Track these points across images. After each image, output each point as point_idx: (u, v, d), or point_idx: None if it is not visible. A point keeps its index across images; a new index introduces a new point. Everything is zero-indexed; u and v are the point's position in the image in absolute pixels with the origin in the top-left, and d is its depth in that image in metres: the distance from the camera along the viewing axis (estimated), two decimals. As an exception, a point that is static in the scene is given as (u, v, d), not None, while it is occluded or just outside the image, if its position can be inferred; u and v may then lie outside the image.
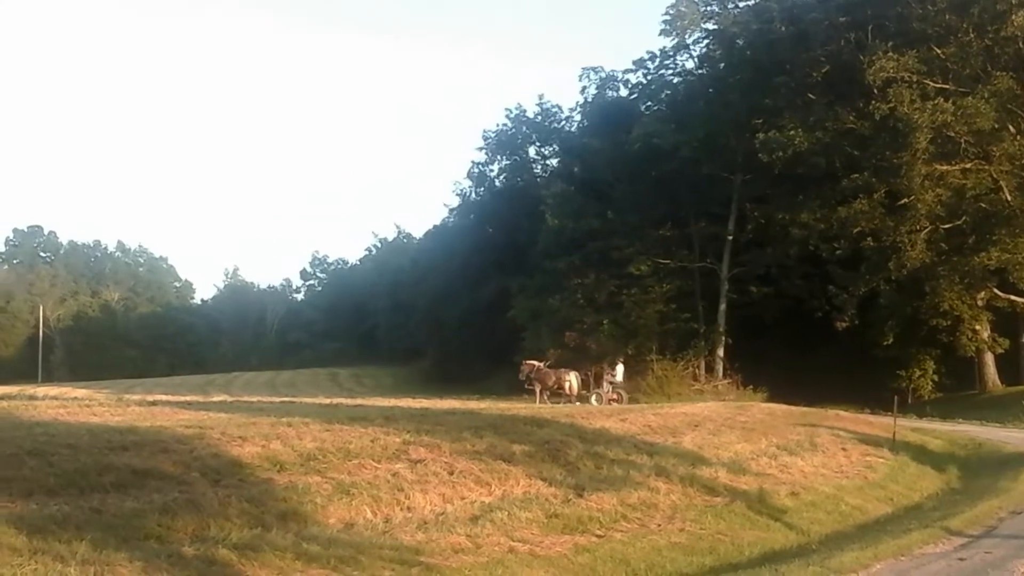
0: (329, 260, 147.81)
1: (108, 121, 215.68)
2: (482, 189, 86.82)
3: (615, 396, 41.99)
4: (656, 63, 66.25)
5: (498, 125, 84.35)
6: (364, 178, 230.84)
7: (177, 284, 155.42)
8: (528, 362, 42.48)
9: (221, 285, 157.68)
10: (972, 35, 47.91)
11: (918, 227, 47.69)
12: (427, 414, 22.73)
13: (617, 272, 56.77)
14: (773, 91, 53.74)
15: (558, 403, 37.47)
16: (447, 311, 79.91)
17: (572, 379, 40.74)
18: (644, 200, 57.97)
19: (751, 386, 51.32)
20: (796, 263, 54.68)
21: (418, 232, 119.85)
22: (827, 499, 21.34)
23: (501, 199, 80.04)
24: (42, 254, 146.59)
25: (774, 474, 22.50)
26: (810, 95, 52.61)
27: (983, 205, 48.38)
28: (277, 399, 38.48)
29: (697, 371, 55.87)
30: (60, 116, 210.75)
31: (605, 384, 42.93)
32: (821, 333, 53.05)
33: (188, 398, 34.94)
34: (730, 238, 57.63)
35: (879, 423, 35.67)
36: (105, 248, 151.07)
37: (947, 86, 48.04)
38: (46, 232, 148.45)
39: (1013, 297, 49.88)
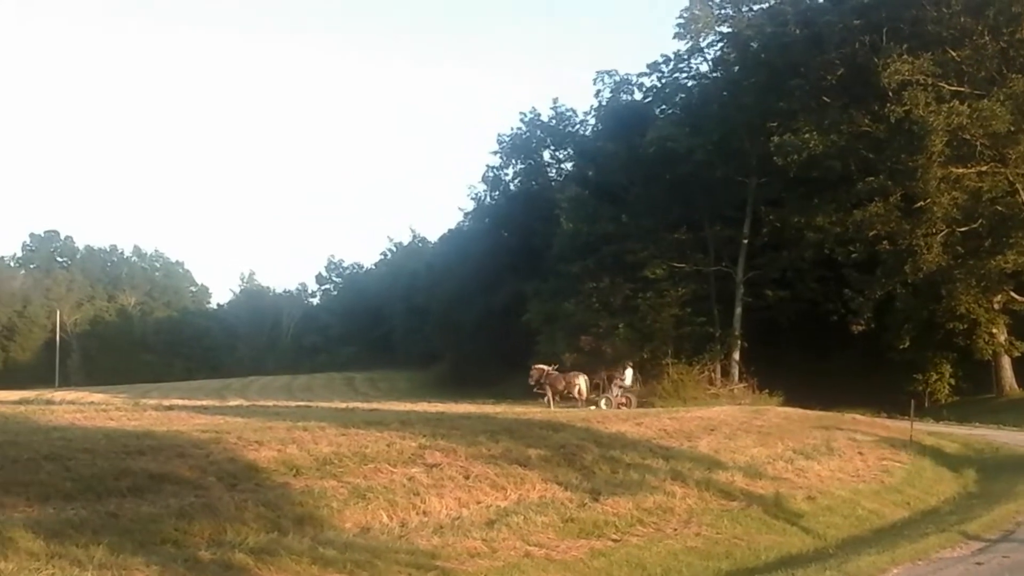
0: (345, 264, 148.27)
1: (125, 126, 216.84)
2: (497, 193, 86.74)
3: (624, 400, 41.94)
4: (670, 66, 66.10)
5: (512, 129, 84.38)
6: (380, 183, 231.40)
7: (193, 289, 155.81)
8: (537, 366, 42.39)
9: (237, 290, 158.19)
10: (987, 37, 47.76)
11: (934, 230, 47.52)
12: (443, 418, 22.81)
13: (632, 276, 56.62)
14: (788, 94, 53.57)
15: (574, 407, 37.50)
16: (462, 315, 79.84)
17: (581, 383, 40.67)
18: (659, 204, 57.82)
19: (767, 390, 51.16)
20: (811, 266, 54.42)
21: (433, 236, 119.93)
22: (844, 503, 21.30)
23: (516, 203, 79.96)
24: (59, 259, 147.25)
25: (790, 478, 22.46)
26: (825, 98, 52.43)
27: (999, 208, 48.15)
28: (293, 403, 38.62)
29: (713, 375, 55.71)
30: (77, 121, 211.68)
31: (614, 388, 42.85)
32: (837, 337, 52.82)
33: (204, 402, 35.14)
34: (745, 241, 57.40)
35: (895, 427, 35.56)
36: (122, 253, 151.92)
37: (962, 89, 47.88)
38: (63, 237, 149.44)
39: (1030, 300, 49.74)
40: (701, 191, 56.81)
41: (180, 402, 33.54)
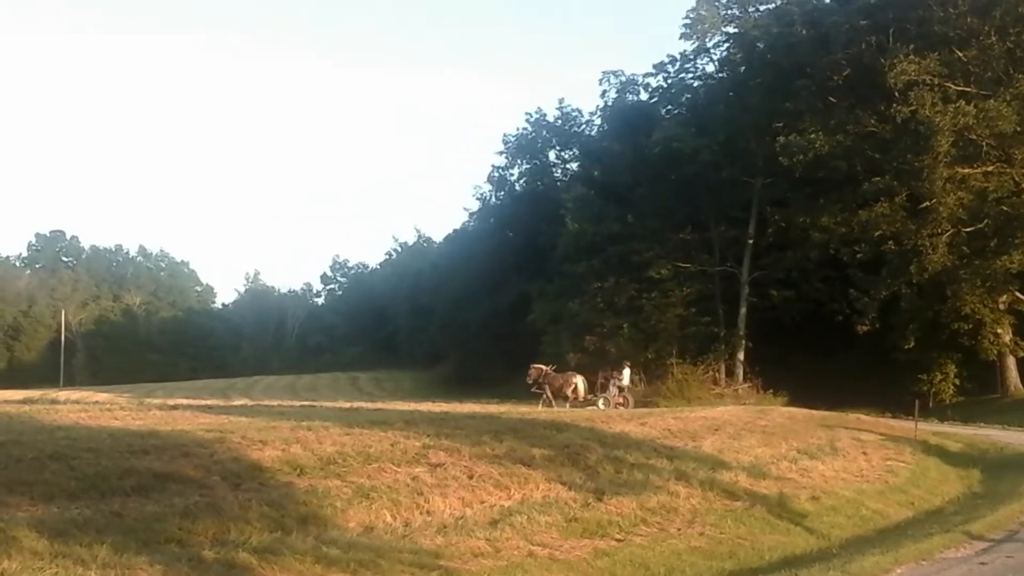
0: (350, 264, 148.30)
1: (130, 127, 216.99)
2: (502, 193, 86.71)
3: (621, 400, 41.94)
4: (676, 67, 66.19)
5: (518, 129, 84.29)
6: (385, 183, 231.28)
7: (198, 288, 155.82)
8: (536, 366, 42.43)
9: (242, 289, 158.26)
10: (994, 38, 47.70)
11: (939, 230, 47.47)
12: (447, 418, 22.81)
13: (637, 276, 56.63)
14: (794, 94, 53.48)
15: (577, 407, 37.49)
16: (467, 315, 79.81)
17: (579, 383, 40.69)
18: (664, 204, 57.80)
19: (771, 390, 51.11)
20: (817, 266, 54.36)
21: (438, 236, 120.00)
22: (848, 503, 21.29)
23: (521, 203, 79.90)
24: (64, 259, 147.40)
25: (794, 478, 22.46)
26: (831, 98, 52.36)
27: (1005, 208, 48.06)
28: (297, 403, 38.62)
29: (717, 375, 55.64)
30: (83, 122, 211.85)
31: (612, 388, 42.81)
32: (842, 337, 52.78)
33: (209, 402, 35.17)
34: (750, 242, 57.38)
35: (900, 427, 35.55)
36: (127, 253, 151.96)
37: (969, 89, 47.85)
38: (68, 237, 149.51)
39: (1035, 300, 49.69)
40: (707, 191, 56.79)
41: (184, 402, 33.59)
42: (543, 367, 42.23)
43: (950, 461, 29.92)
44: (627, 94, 70.33)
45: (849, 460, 26.40)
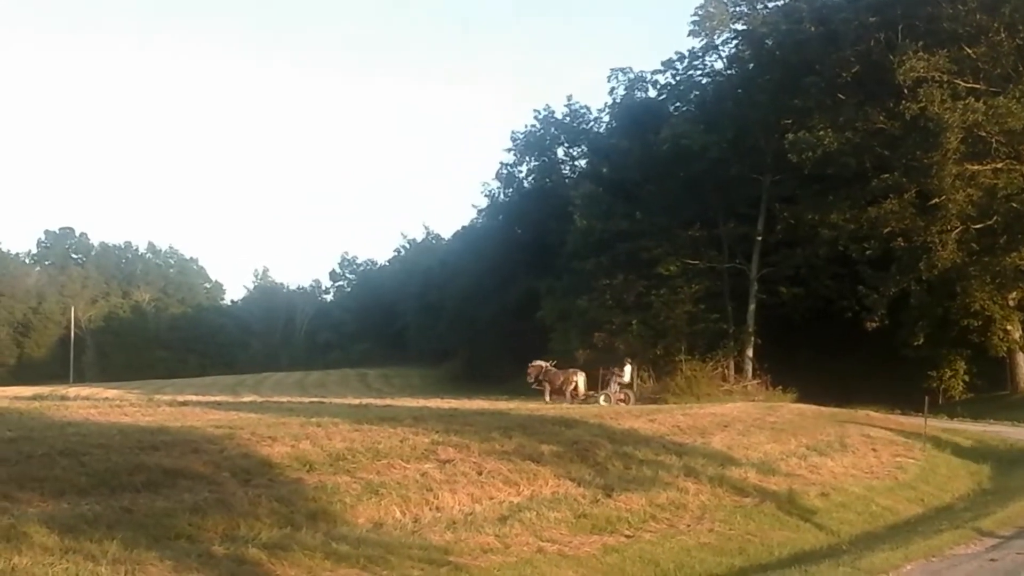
0: (358, 261, 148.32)
1: (139, 124, 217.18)
2: (510, 190, 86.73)
3: (623, 397, 41.85)
4: (685, 64, 66.05)
5: (527, 126, 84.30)
6: (394, 180, 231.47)
7: (207, 285, 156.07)
8: (535, 363, 42.40)
9: (251, 286, 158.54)
10: (1003, 34, 47.57)
11: (949, 227, 47.39)
12: (456, 414, 22.82)
13: (646, 273, 56.60)
14: (802, 91, 53.40)
15: (586, 403, 37.50)
16: (476, 312, 79.87)
17: (579, 380, 40.66)
18: (673, 201, 57.77)
19: (780, 387, 51.11)
20: (826, 263, 54.23)
21: (447, 233, 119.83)
22: (857, 500, 21.27)
23: (529, 200, 79.90)
24: (74, 255, 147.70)
25: (804, 475, 22.44)
26: (840, 95, 52.22)
27: (1014, 205, 47.91)
28: (306, 399, 38.65)
29: (726, 372, 55.62)
30: (92, 119, 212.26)
31: (613, 384, 42.75)
32: (851, 334, 52.65)
33: (218, 398, 35.14)
34: (759, 239, 57.30)
35: (909, 424, 35.51)
36: (136, 249, 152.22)
37: (978, 86, 47.73)
38: (77, 234, 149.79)
39: (1045, 297, 49.58)
40: (715, 188, 56.78)
41: (194, 398, 33.55)
42: (543, 364, 42.22)
43: (960, 457, 29.85)
44: (635, 91, 70.32)
45: (859, 456, 26.36)
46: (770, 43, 58.75)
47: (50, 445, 13.95)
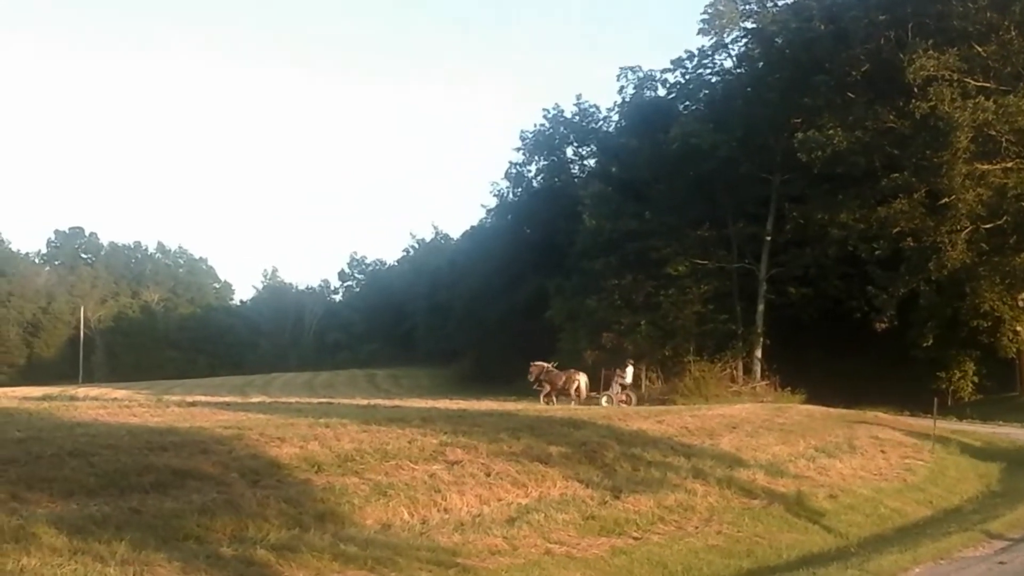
0: (367, 261, 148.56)
1: (149, 124, 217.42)
2: (519, 190, 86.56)
3: (624, 397, 41.84)
4: (694, 62, 65.93)
5: (536, 125, 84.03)
6: (402, 180, 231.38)
7: (216, 285, 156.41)
8: (536, 363, 42.32)
9: (260, 286, 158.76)
10: (1013, 33, 47.47)
11: (958, 227, 47.27)
12: (464, 415, 22.82)
13: (655, 273, 56.56)
14: (812, 90, 53.32)
15: (591, 404, 37.47)
16: (485, 312, 79.79)
17: (581, 381, 40.60)
18: (682, 200, 57.74)
19: (789, 388, 51.10)
20: (835, 263, 54.12)
21: (455, 233, 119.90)
22: (866, 502, 21.24)
23: (538, 199, 79.71)
24: (83, 255, 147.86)
25: (812, 476, 22.42)
26: (849, 94, 52.16)
27: (1024, 204, 47.92)
28: (315, 400, 38.76)
29: (735, 372, 55.58)
30: (102, 119, 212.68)
31: (615, 385, 42.70)
32: (860, 334, 52.55)
33: (227, 399, 35.24)
34: (768, 238, 57.24)
35: (918, 425, 35.47)
36: (145, 249, 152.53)
37: (988, 84, 47.61)
38: (87, 233, 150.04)
39: (1055, 298, 49.44)
40: (724, 187, 56.74)
41: (203, 398, 33.65)
42: (544, 364, 42.14)
43: (969, 460, 29.80)
44: (645, 90, 70.23)
45: (867, 458, 26.33)
46: (780, 41, 58.71)
47: (59, 446, 13.98)
